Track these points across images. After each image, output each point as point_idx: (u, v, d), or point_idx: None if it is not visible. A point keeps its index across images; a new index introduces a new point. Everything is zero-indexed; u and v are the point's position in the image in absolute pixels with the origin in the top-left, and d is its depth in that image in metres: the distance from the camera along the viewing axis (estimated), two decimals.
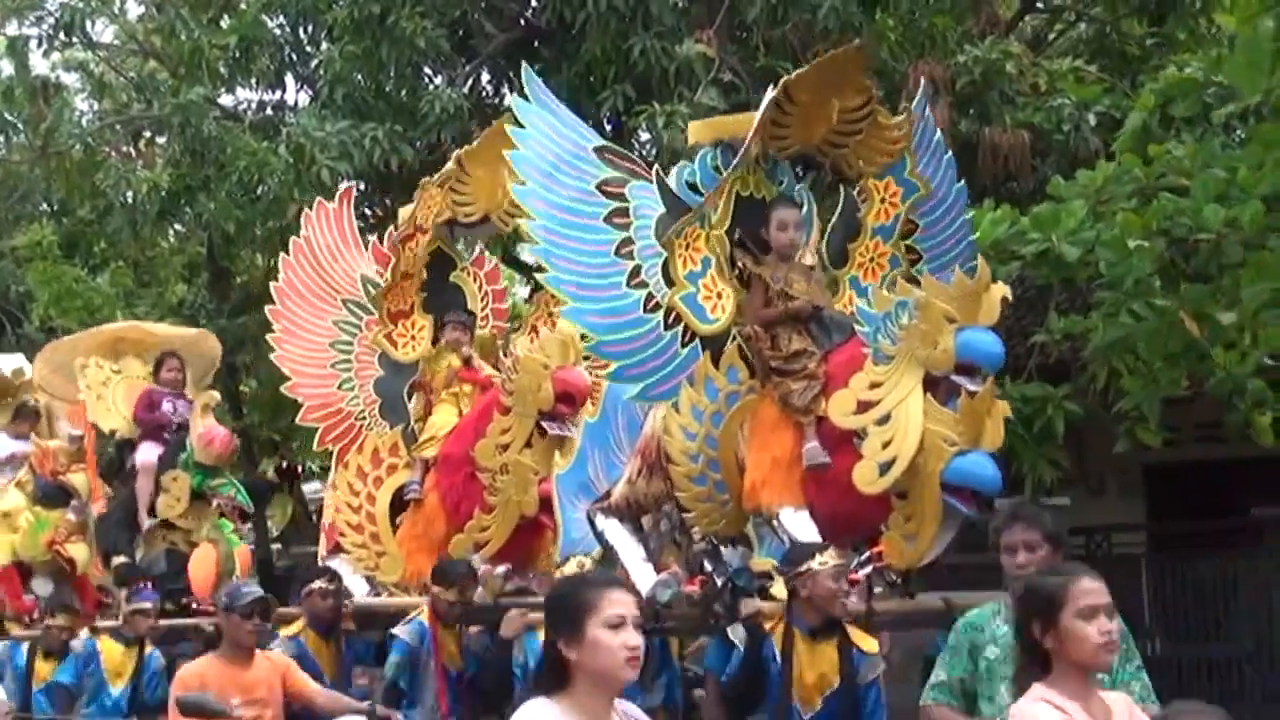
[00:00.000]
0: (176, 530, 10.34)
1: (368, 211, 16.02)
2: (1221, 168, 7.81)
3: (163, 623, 9.77)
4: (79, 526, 10.99)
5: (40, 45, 16.41)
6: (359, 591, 8.99)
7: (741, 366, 7.18)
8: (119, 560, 10.33)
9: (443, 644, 8.10)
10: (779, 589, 6.91)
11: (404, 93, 14.45)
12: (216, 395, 10.98)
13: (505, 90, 15.45)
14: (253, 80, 15.66)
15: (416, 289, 9.39)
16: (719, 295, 7.09)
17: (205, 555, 10.00)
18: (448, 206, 9.20)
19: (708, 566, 7.36)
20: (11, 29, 16.73)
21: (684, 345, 7.03)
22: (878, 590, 6.84)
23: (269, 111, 16.34)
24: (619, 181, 7.10)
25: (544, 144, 7.12)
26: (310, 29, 15.71)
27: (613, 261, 6.96)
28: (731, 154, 7.26)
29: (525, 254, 14.86)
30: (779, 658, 6.52)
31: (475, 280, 9.68)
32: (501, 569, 8.30)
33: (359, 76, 14.36)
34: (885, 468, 6.46)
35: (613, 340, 6.98)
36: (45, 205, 19.28)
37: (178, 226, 17.01)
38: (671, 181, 7.23)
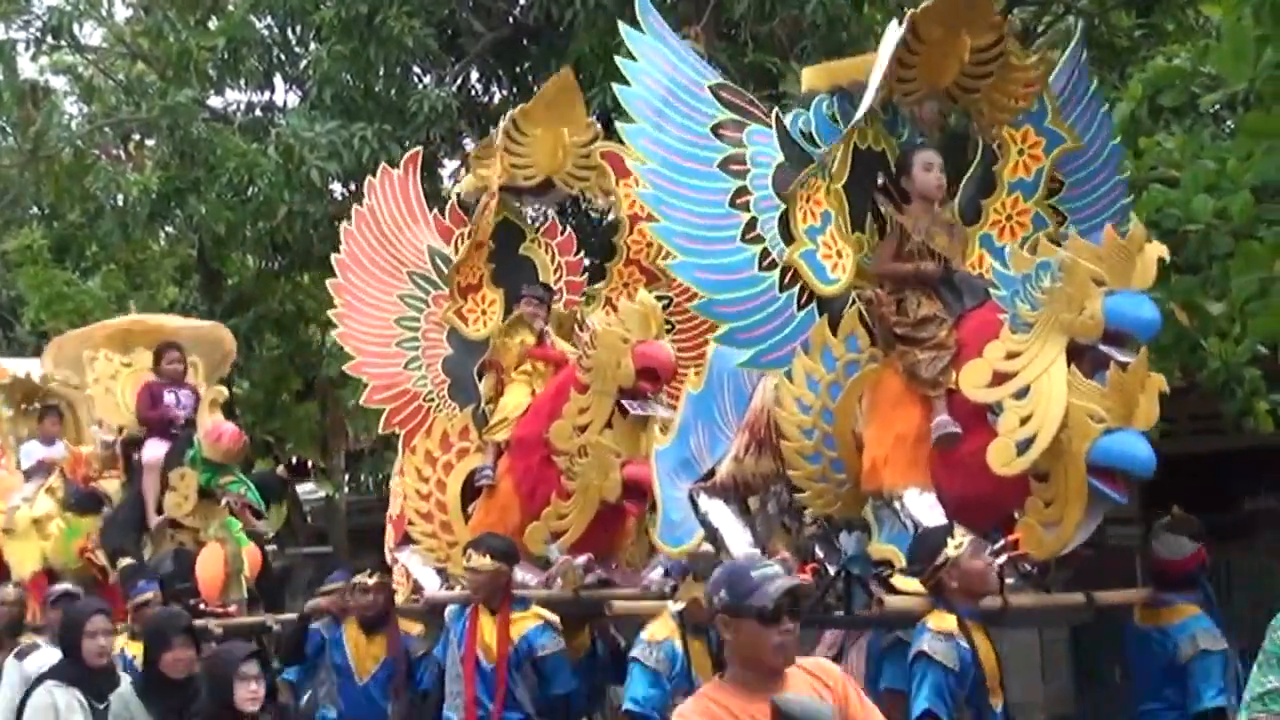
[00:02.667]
0: (184, 529, 9.92)
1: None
2: (1210, 159, 7.55)
3: None
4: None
5: (28, 49, 16.09)
6: (430, 584, 8.30)
7: (862, 333, 6.35)
8: (125, 562, 9.93)
9: (479, 630, 7.32)
10: (903, 580, 6.09)
11: (393, 92, 13.99)
12: (224, 391, 10.50)
13: (494, 88, 15.11)
14: (241, 81, 15.17)
15: (486, 260, 8.66)
16: (839, 254, 6.30)
17: (213, 555, 9.63)
18: (505, 170, 8.46)
19: (819, 553, 6.62)
20: None
21: (800, 308, 6.29)
22: (1009, 582, 6.01)
23: (258, 112, 15.86)
24: (735, 124, 6.35)
25: (656, 79, 6.37)
26: (298, 29, 15.17)
27: (727, 213, 6.24)
28: (849, 101, 6.47)
29: None
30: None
31: (547, 251, 8.98)
32: (581, 559, 7.60)
33: (347, 76, 13.90)
34: (1024, 446, 5.75)
35: (724, 300, 6.25)
36: (35, 209, 18.73)
37: (168, 229, 16.49)
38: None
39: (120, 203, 14.78)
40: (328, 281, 9.08)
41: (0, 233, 18.79)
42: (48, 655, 7.76)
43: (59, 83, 17.98)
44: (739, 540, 6.73)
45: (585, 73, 13.11)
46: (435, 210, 9.17)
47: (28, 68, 16.98)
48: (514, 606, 7.36)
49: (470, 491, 8.36)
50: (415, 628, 8.45)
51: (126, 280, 17.41)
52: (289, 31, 15.37)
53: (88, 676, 6.31)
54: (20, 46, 16.06)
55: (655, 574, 7.64)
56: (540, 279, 8.79)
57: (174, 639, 6.17)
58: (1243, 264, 6.98)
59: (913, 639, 5.77)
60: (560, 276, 8.94)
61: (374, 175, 13.20)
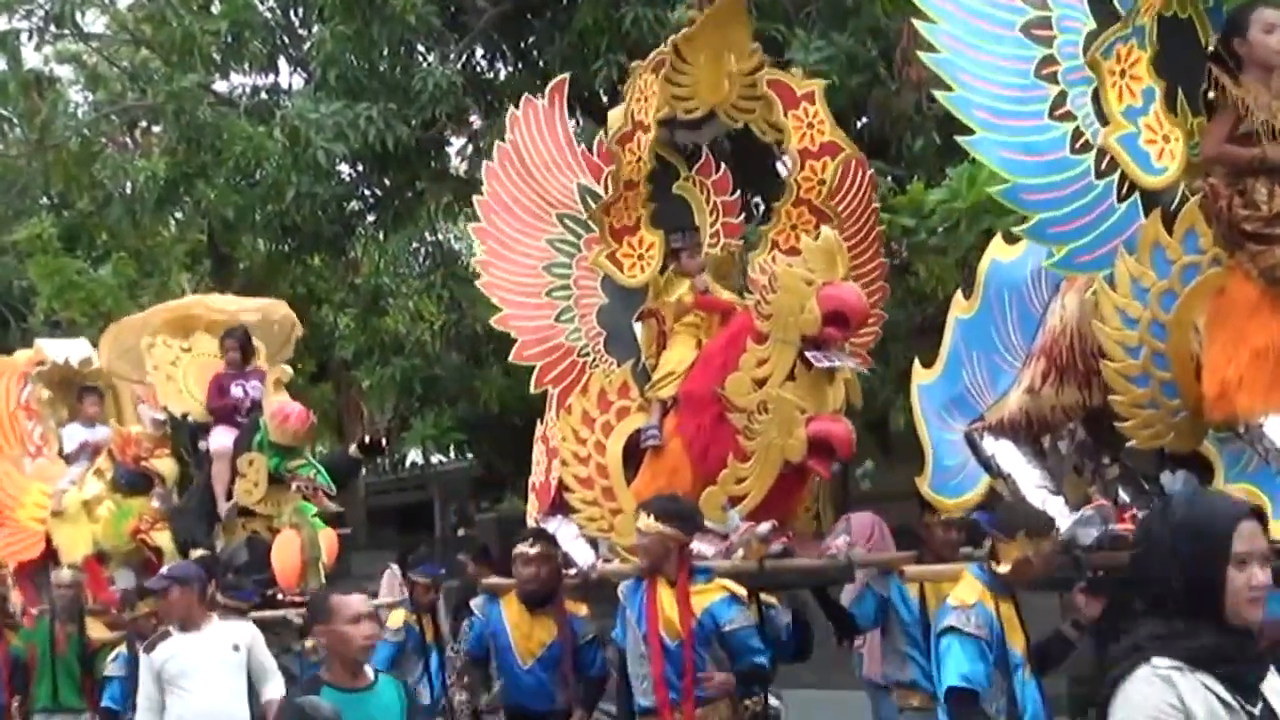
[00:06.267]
0: (257, 517, 9.34)
1: (365, 192, 15.12)
2: None
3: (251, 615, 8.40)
4: (164, 514, 9.88)
5: (32, 38, 15.57)
6: (581, 558, 7.39)
7: (1204, 231, 5.16)
8: (198, 553, 9.24)
9: (659, 605, 6.23)
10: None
11: (397, 71, 13.52)
12: (289, 370, 9.79)
13: (499, 64, 14.65)
14: (245, 65, 14.66)
15: (643, 201, 7.50)
16: (1165, 139, 5.16)
17: (288, 542, 9.04)
18: (666, 101, 7.33)
19: (1124, 497, 5.60)
20: (2, 23, 15.80)
21: (1120, 200, 5.19)
22: None
23: (263, 95, 15.41)
24: None
25: None
26: (300, 11, 14.81)
27: (1033, 84, 5.21)
28: None
29: None
30: None
31: (702, 190, 7.94)
32: (765, 526, 6.48)
33: (351, 57, 13.40)
34: None
35: (1032, 185, 5.17)
36: (44, 198, 18.46)
37: (177, 215, 16.15)
38: None
39: (128, 190, 14.50)
40: (469, 226, 7.95)
41: (10, 223, 18.41)
42: (178, 644, 7.37)
43: (64, 71, 17.65)
44: (1037, 487, 5.77)
45: (589, 46, 12.96)
46: (583, 145, 8.20)
47: (32, 57, 16.41)
48: (695, 577, 6.30)
49: (633, 454, 7.35)
50: (580, 608, 7.59)
51: (137, 267, 16.90)
52: (291, 13, 15.03)
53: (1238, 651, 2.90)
54: (24, 36, 15.60)
55: (840, 540, 6.73)
56: (695, 220, 7.81)
57: None
58: None
59: None
60: (716, 218, 7.98)
61: (380, 155, 13.09)
